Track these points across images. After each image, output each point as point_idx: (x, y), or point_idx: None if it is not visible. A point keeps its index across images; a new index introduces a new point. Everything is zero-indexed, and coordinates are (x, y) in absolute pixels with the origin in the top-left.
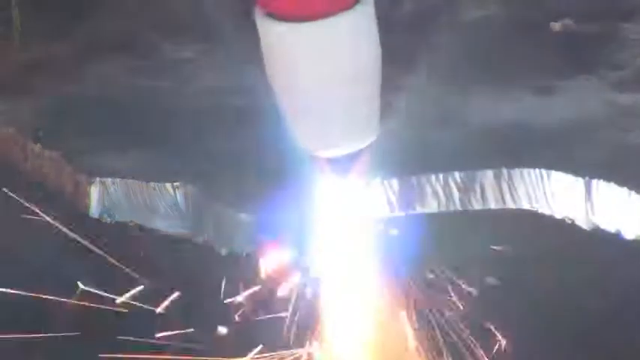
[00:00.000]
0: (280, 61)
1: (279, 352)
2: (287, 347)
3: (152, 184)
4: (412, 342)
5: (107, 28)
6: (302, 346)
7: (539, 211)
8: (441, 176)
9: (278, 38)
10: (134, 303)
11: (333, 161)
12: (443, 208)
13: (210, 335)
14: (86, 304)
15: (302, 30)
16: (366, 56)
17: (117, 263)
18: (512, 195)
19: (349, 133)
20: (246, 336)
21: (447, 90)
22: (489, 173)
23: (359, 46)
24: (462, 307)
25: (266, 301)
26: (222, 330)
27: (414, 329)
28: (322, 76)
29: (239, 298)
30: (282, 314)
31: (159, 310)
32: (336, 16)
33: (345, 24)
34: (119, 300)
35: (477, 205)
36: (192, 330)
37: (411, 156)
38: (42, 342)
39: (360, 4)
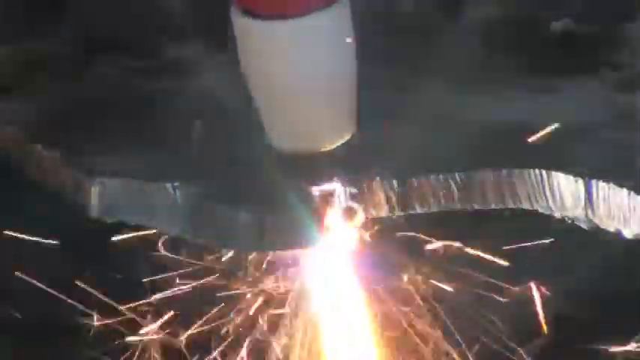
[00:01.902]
0: (256, 59)
1: None
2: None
3: (152, 184)
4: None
5: (106, 28)
6: None
7: (540, 211)
8: (440, 176)
9: (254, 36)
10: None
11: (305, 160)
12: (443, 208)
13: None
14: None
15: (278, 28)
16: (341, 56)
17: None
18: (512, 195)
19: (324, 131)
20: None
21: (446, 90)
22: (489, 173)
23: (335, 46)
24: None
25: None
26: None
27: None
28: (297, 75)
29: None
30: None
31: None
32: (313, 15)
33: (321, 23)
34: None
35: (476, 205)
36: None
37: (410, 156)
38: None
39: (336, 5)
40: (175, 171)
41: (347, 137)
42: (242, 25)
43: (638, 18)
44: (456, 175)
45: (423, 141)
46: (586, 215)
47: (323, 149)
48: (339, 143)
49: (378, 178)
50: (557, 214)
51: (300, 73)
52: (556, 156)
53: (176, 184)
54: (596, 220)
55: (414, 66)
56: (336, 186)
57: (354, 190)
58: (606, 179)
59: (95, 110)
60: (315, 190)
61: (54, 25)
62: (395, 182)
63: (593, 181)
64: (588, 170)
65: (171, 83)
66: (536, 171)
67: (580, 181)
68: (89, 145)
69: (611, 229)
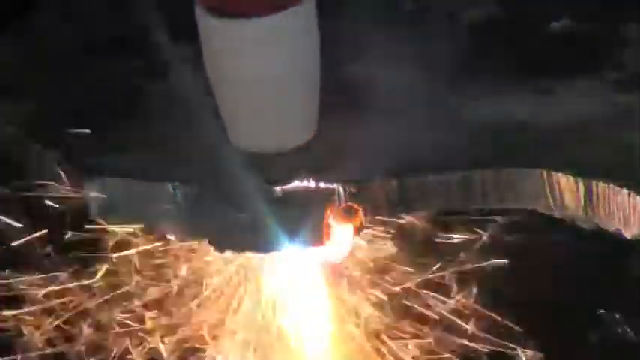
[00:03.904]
0: (218, 58)
1: None
2: None
3: (152, 184)
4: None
5: (106, 28)
6: None
7: (540, 211)
8: (440, 176)
9: (217, 35)
10: None
11: (268, 160)
12: (443, 208)
13: None
14: None
15: (241, 27)
16: (305, 55)
17: None
18: (512, 195)
19: (283, 131)
20: None
21: (446, 90)
22: (489, 173)
23: (298, 45)
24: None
25: None
26: None
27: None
28: (261, 74)
29: None
30: None
31: None
32: (277, 14)
33: (285, 23)
34: None
35: (476, 205)
36: None
37: (410, 156)
38: None
39: (301, 4)
40: (175, 171)
41: (305, 139)
42: (205, 24)
43: (638, 18)
44: (456, 175)
45: (422, 141)
46: (586, 215)
47: (285, 149)
48: (300, 143)
49: (377, 178)
50: (557, 214)
51: (264, 73)
52: (556, 156)
53: (176, 184)
54: (596, 220)
55: (413, 65)
56: (336, 186)
57: (354, 190)
58: (606, 179)
59: (95, 110)
60: (315, 190)
61: (54, 24)
62: (395, 182)
63: (593, 181)
64: (588, 170)
65: (170, 83)
66: (536, 171)
67: (580, 181)
68: (89, 145)
69: (611, 229)
